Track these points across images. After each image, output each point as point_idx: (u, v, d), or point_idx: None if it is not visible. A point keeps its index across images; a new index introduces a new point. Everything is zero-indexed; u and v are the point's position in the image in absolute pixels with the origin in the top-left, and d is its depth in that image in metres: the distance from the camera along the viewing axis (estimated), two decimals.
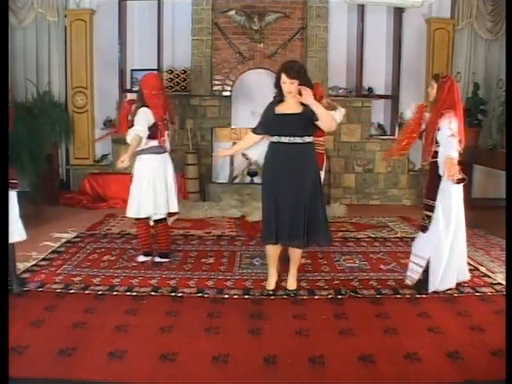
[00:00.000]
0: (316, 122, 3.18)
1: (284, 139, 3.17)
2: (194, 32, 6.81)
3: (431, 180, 3.39)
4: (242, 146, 3.72)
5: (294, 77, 3.12)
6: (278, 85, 3.21)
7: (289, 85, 3.13)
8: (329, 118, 3.21)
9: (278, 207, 3.20)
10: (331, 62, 6.98)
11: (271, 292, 3.39)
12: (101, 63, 6.97)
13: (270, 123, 3.27)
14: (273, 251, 3.39)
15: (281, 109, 3.22)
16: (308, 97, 3.02)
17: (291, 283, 3.45)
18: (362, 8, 7.05)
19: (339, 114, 4.93)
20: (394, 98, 7.20)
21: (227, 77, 7.00)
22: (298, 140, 3.17)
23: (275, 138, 3.22)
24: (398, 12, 7.03)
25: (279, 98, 3.24)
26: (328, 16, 6.89)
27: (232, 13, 6.77)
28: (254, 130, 3.41)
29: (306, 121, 3.17)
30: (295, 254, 3.43)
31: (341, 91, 7.02)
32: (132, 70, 7.10)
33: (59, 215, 5.71)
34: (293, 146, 3.18)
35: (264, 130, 3.33)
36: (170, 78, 6.99)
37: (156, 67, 7.04)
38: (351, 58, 7.17)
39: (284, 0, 6.84)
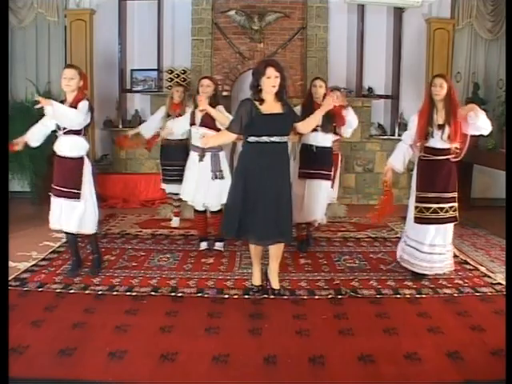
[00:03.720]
0: (295, 124, 3.31)
1: (270, 139, 3.14)
2: (193, 32, 6.81)
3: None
4: (215, 143, 3.67)
5: (279, 70, 3.12)
6: (256, 84, 3.16)
7: (274, 79, 3.11)
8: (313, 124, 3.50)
9: (257, 206, 3.16)
10: (331, 61, 6.98)
11: (258, 288, 3.39)
12: (101, 63, 6.97)
13: (257, 123, 3.16)
14: (255, 249, 3.40)
15: (265, 108, 3.17)
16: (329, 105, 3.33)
17: (274, 282, 3.43)
18: (362, 8, 7.05)
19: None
20: (394, 97, 7.20)
21: (227, 77, 7.00)
22: (279, 139, 3.17)
23: (262, 138, 3.14)
24: (398, 12, 7.02)
25: (258, 96, 3.17)
26: (328, 16, 6.89)
27: (232, 13, 6.77)
28: (231, 129, 3.28)
29: (289, 121, 3.24)
30: (275, 252, 3.40)
31: (341, 91, 7.02)
32: (132, 70, 7.11)
33: None
34: (275, 146, 3.17)
35: (245, 129, 3.20)
36: (170, 78, 6.99)
37: (156, 67, 7.05)
38: (351, 58, 7.17)
39: (284, 0, 6.84)
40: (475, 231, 5.26)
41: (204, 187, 4.15)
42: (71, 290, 3.40)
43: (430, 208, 3.56)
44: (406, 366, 2.46)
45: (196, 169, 4.19)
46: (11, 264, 3.79)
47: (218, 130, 3.96)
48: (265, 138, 3.15)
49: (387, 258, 4.24)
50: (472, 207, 6.22)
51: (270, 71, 3.10)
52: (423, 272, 3.67)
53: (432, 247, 3.61)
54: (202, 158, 4.16)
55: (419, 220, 3.61)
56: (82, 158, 3.53)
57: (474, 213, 5.85)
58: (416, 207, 3.63)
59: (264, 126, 3.17)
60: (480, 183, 6.80)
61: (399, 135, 6.81)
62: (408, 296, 3.38)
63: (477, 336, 2.78)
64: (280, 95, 3.20)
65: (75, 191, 3.50)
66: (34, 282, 3.54)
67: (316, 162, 4.25)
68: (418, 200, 3.63)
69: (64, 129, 3.46)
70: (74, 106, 3.42)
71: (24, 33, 6.77)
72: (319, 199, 4.32)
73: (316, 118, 3.46)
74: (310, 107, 4.19)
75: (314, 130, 4.01)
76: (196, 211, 4.37)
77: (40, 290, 3.40)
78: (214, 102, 4.08)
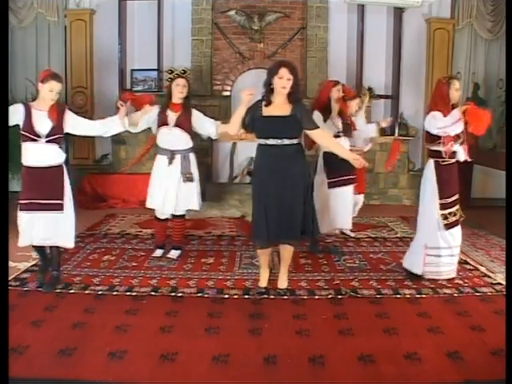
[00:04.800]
0: (308, 132, 3.22)
1: (272, 141, 3.15)
2: (193, 32, 6.82)
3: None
4: (225, 129, 3.69)
5: (292, 73, 3.12)
6: (268, 83, 3.16)
7: (286, 80, 3.10)
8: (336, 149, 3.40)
9: (267, 208, 3.20)
10: (331, 62, 6.98)
11: (264, 290, 3.41)
12: (101, 63, 6.97)
13: (257, 125, 3.22)
14: (263, 250, 3.42)
15: (269, 110, 3.18)
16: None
17: (282, 282, 3.47)
18: (362, 8, 7.06)
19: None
20: (394, 97, 7.20)
21: (227, 77, 7.01)
22: (286, 142, 3.15)
23: (262, 141, 3.20)
24: (398, 12, 7.03)
25: (267, 97, 3.18)
26: (328, 16, 6.91)
27: (232, 13, 6.78)
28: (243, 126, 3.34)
29: (293, 123, 3.16)
30: (285, 254, 3.45)
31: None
32: (132, 70, 7.11)
33: None
34: (281, 148, 3.15)
35: (247, 128, 3.30)
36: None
37: (156, 67, 7.05)
38: (351, 58, 7.17)
39: (284, 0, 6.85)
40: (475, 231, 5.26)
41: (174, 191, 3.93)
42: (71, 289, 3.40)
43: (452, 212, 3.55)
44: (406, 366, 2.45)
45: (164, 174, 3.93)
46: (11, 264, 3.78)
47: (191, 131, 3.97)
48: (264, 141, 3.18)
49: (387, 258, 4.24)
50: (472, 207, 6.22)
51: (283, 72, 3.10)
52: (447, 277, 3.62)
53: (452, 249, 3.60)
54: (171, 160, 3.92)
55: (448, 226, 3.55)
56: (62, 167, 3.41)
57: (473, 213, 5.84)
58: (442, 215, 3.53)
59: (263, 128, 3.20)
60: (480, 183, 6.80)
61: (399, 135, 6.82)
62: (408, 296, 3.38)
63: (477, 336, 2.78)
64: (292, 97, 3.16)
65: (59, 202, 3.34)
66: (34, 282, 3.53)
67: (345, 169, 4.00)
68: (444, 207, 3.52)
69: (48, 136, 3.26)
70: (53, 114, 3.27)
71: (24, 33, 6.79)
72: (350, 205, 4.31)
73: (339, 149, 3.40)
74: (328, 112, 4.14)
75: (337, 136, 4.06)
76: (158, 219, 4.14)
77: (40, 289, 3.40)
78: (187, 103, 3.98)
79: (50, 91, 3.25)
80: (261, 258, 3.49)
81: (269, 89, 3.18)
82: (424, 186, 3.63)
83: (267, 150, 3.20)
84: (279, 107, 3.17)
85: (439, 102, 3.49)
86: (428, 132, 3.54)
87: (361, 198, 5.04)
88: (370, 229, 5.35)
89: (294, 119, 3.15)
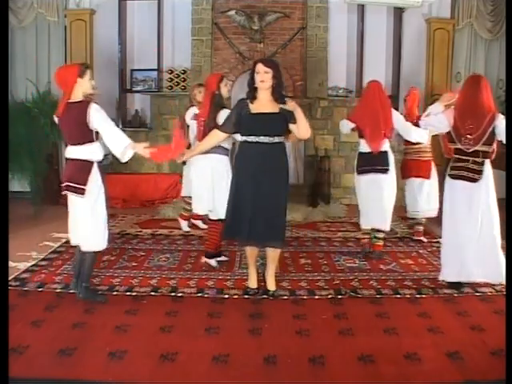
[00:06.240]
0: (291, 126, 3.16)
1: (259, 139, 3.12)
2: (193, 32, 6.82)
3: None
4: (206, 146, 3.50)
5: (269, 66, 3.13)
6: (251, 81, 3.19)
7: (263, 74, 3.11)
8: (306, 126, 3.15)
9: (249, 207, 3.15)
10: (331, 62, 6.98)
11: (256, 291, 3.39)
12: (101, 63, 6.97)
13: (244, 122, 3.19)
14: (251, 251, 3.40)
15: (256, 107, 3.17)
16: (293, 104, 3.04)
17: (270, 284, 3.40)
18: (362, 8, 7.07)
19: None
20: (394, 98, 7.19)
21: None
22: (267, 140, 3.13)
23: (249, 138, 3.16)
24: (398, 12, 7.03)
25: (251, 94, 3.19)
26: (328, 16, 6.91)
27: (232, 13, 6.78)
28: (222, 128, 3.33)
29: (282, 121, 3.16)
30: (271, 254, 3.39)
31: (341, 91, 7.03)
32: (132, 70, 7.11)
33: (59, 215, 5.67)
34: (268, 146, 3.14)
35: (235, 128, 3.27)
36: (170, 78, 7.00)
37: (156, 67, 7.05)
38: (351, 58, 7.18)
39: (284, 0, 6.85)
40: None
41: None
42: (71, 290, 3.40)
43: None
44: (406, 365, 2.46)
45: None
46: (11, 264, 3.79)
47: None
48: (252, 138, 3.15)
49: (387, 258, 4.24)
50: None
51: (259, 67, 3.13)
52: None
53: None
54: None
55: None
56: None
57: None
58: None
59: (251, 125, 3.17)
60: None
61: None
62: (408, 296, 3.38)
63: (477, 336, 2.78)
64: (276, 94, 3.16)
65: None
66: (34, 282, 3.54)
67: None
68: None
69: None
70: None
71: (24, 33, 6.78)
72: None
73: (305, 120, 3.17)
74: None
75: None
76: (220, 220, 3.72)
77: (40, 290, 3.40)
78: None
79: (90, 79, 3.16)
80: (248, 257, 3.45)
81: (252, 88, 3.19)
82: (491, 190, 3.81)
83: (256, 148, 3.15)
84: (266, 105, 3.17)
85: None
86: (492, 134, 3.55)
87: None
88: None
89: (282, 117, 3.14)
